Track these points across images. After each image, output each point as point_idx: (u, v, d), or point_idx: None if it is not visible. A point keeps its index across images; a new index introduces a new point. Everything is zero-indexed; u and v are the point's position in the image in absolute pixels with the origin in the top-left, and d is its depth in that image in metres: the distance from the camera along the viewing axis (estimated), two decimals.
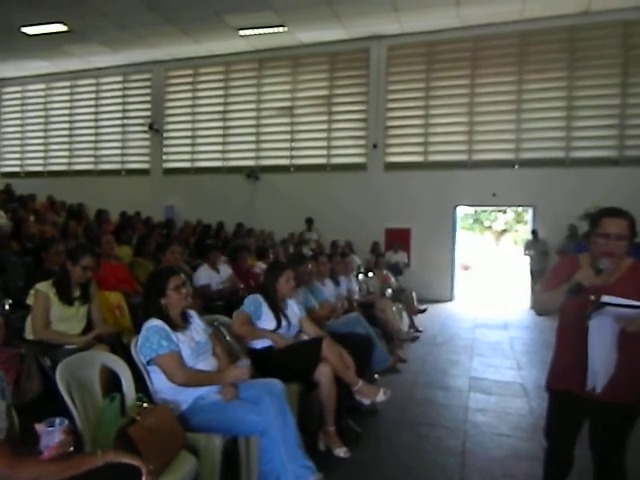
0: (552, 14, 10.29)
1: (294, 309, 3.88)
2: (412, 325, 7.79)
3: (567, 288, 2.22)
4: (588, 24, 10.36)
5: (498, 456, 3.53)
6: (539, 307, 2.53)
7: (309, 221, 12.15)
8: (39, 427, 1.80)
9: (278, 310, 3.71)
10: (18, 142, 15.85)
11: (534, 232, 10.74)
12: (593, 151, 10.53)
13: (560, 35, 10.66)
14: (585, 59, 10.58)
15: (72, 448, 1.81)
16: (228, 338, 3.57)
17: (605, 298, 2.07)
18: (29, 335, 3.43)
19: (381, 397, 3.55)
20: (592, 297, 2.14)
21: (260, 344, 3.64)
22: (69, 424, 1.86)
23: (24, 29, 11.20)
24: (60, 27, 11.08)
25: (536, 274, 10.34)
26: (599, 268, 2.20)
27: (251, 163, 13.13)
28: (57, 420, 1.82)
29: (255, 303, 3.69)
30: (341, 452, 3.35)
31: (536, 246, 10.52)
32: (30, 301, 3.49)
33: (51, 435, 1.78)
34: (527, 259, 10.73)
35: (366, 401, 3.58)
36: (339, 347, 3.56)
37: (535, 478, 3.17)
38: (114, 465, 1.68)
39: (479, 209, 17.72)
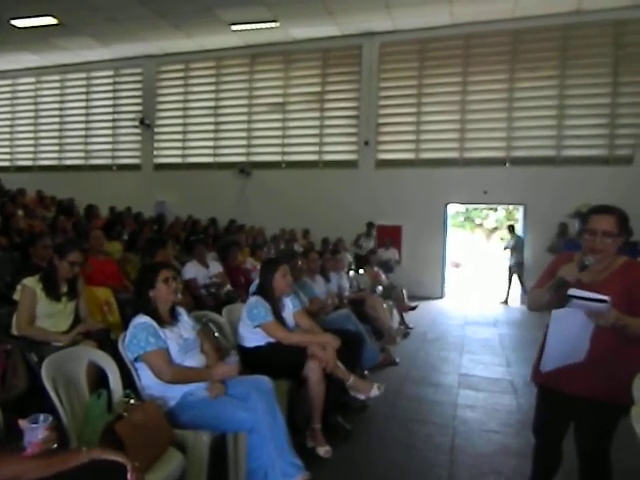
0: (544, 13, 10.31)
1: (289, 307, 3.82)
2: (402, 322, 7.80)
3: (551, 284, 2.24)
4: (579, 23, 10.39)
5: (486, 452, 3.55)
6: (530, 303, 2.55)
7: (370, 225, 11.40)
8: (23, 423, 1.78)
9: (277, 313, 3.62)
10: (7, 136, 15.68)
11: (511, 227, 11.33)
12: (584, 150, 10.58)
13: (552, 34, 10.69)
14: (576, 58, 10.61)
15: (56, 445, 1.79)
16: (217, 334, 3.55)
17: (572, 291, 2.08)
18: (15, 331, 3.39)
19: (375, 392, 3.54)
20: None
21: (253, 342, 3.59)
22: (53, 420, 1.84)
23: (13, 22, 11.05)
24: (50, 20, 10.95)
25: (513, 268, 10.75)
26: (584, 264, 2.20)
27: (242, 159, 13.08)
28: (41, 416, 1.80)
29: (264, 306, 3.54)
30: (322, 451, 3.30)
31: (513, 241, 10.92)
32: (17, 296, 3.45)
33: (35, 432, 1.76)
34: (508, 254, 11.06)
35: (361, 396, 3.57)
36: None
37: (523, 474, 3.19)
38: (99, 462, 1.66)
39: (470, 207, 17.80)
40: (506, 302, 10.83)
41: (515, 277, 10.76)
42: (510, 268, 10.84)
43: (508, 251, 10.98)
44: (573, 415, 2.40)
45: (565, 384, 2.31)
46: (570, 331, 2.17)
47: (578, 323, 2.13)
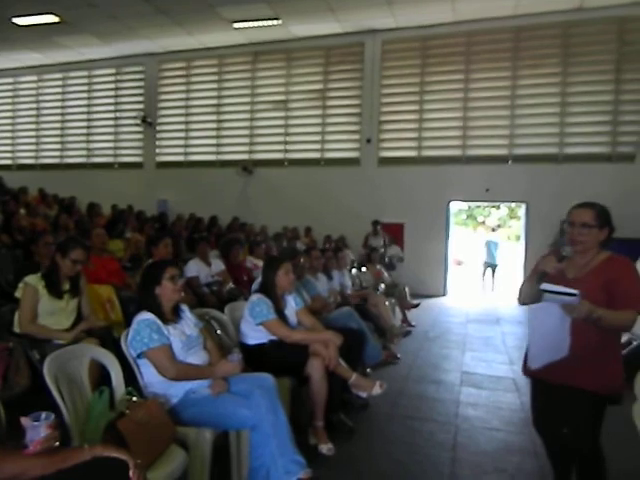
0: (546, 10, 10.26)
1: (292, 305, 3.82)
2: (405, 320, 7.79)
3: (536, 277, 2.33)
4: (582, 20, 10.34)
5: (489, 450, 3.54)
6: (520, 298, 2.63)
7: (375, 223, 10.87)
8: (25, 421, 1.78)
9: (279, 311, 3.62)
10: (9, 134, 15.67)
11: (493, 229, 13.07)
12: (586, 147, 10.54)
13: (554, 31, 10.63)
14: (579, 55, 10.57)
15: (58, 443, 1.79)
16: (219, 332, 3.54)
17: (544, 285, 2.17)
18: (17, 328, 3.40)
19: (377, 390, 3.53)
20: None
21: (255, 340, 3.59)
22: (55, 418, 1.83)
23: (15, 20, 11.04)
24: (51, 18, 10.93)
25: (486, 265, 12.19)
26: (562, 255, 2.31)
27: (245, 157, 13.06)
28: (43, 414, 1.80)
29: (266, 304, 3.54)
30: (324, 449, 3.31)
31: (484, 242, 12.29)
32: (19, 294, 3.45)
33: (36, 429, 1.75)
34: (484, 251, 12.40)
35: (363, 394, 3.57)
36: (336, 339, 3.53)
37: (526, 472, 3.20)
38: (101, 459, 1.65)
39: (473, 204, 17.78)
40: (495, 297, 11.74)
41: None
42: (484, 264, 12.24)
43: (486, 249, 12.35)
44: (563, 404, 2.42)
45: (550, 374, 2.36)
46: (548, 326, 2.25)
47: (555, 317, 2.20)
